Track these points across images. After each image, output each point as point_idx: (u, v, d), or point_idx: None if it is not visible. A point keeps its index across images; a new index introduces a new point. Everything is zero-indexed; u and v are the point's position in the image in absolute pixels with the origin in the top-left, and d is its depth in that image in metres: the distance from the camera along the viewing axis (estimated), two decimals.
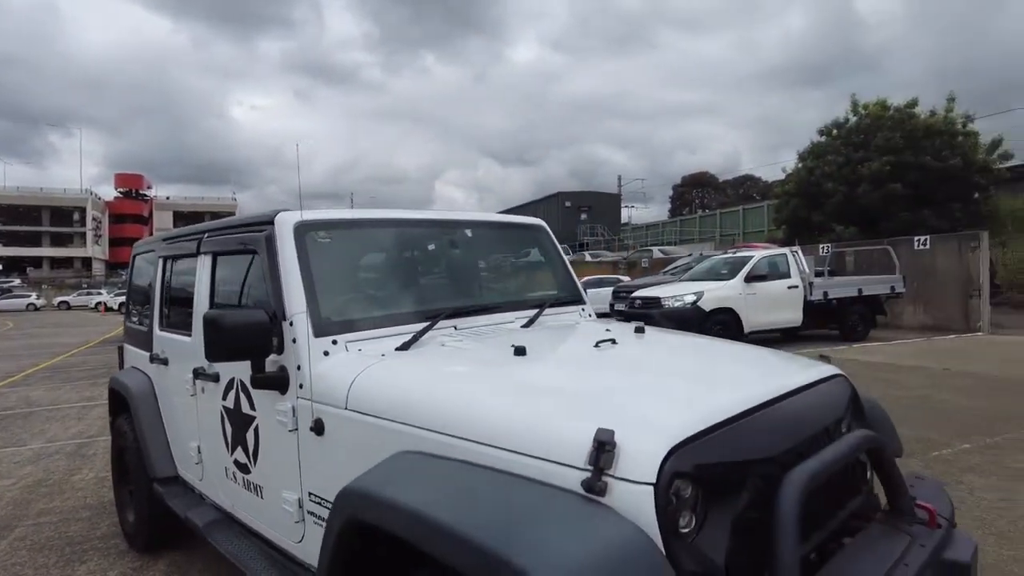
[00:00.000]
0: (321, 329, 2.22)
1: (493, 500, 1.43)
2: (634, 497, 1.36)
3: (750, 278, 11.57)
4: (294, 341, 2.21)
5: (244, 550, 2.55)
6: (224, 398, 2.66)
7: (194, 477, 3.10)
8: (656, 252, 25.86)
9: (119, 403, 3.75)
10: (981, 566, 2.91)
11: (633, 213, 53.08)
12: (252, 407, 2.47)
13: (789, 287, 11.85)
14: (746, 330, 11.13)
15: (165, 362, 3.31)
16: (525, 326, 2.71)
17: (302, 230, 2.39)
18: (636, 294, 12.00)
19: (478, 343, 2.36)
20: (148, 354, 3.52)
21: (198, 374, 2.84)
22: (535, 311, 2.82)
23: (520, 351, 2.08)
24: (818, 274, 12.80)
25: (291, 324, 2.23)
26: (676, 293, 11.20)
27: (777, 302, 11.63)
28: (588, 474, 1.40)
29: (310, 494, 2.17)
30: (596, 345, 2.24)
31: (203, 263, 2.94)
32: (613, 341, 2.29)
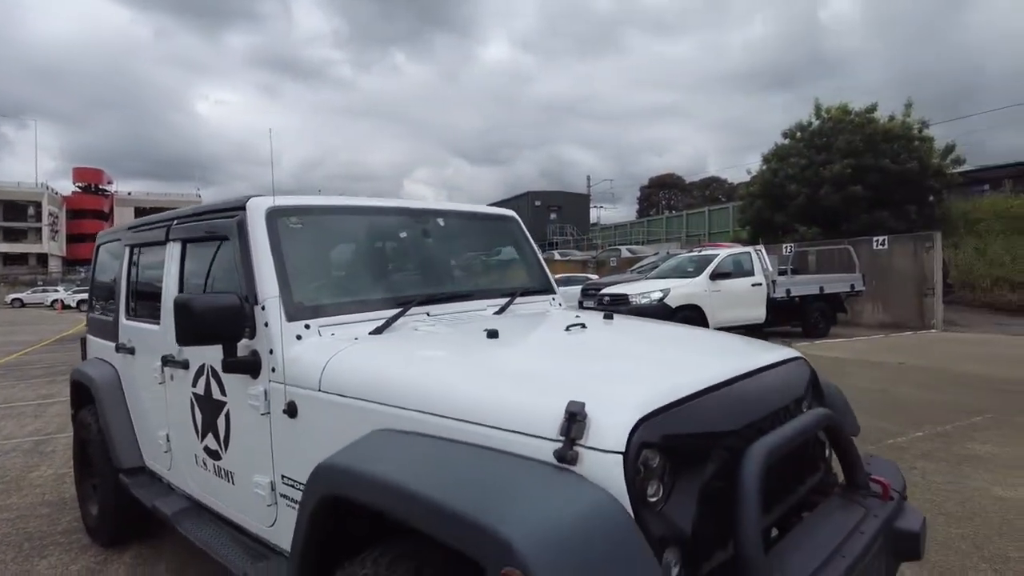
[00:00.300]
0: (293, 314, 2.22)
1: (470, 472, 1.47)
2: (604, 465, 1.41)
3: (715, 275, 11.79)
4: (266, 325, 2.21)
5: (214, 537, 2.54)
6: (194, 385, 2.64)
7: (162, 467, 3.07)
8: (624, 251, 26.12)
9: (83, 395, 3.68)
10: (933, 543, 3.06)
11: (601, 213, 53.60)
12: (223, 392, 2.46)
13: (753, 284, 12.11)
14: (711, 326, 11.33)
15: (132, 351, 3.26)
16: (497, 313, 2.75)
17: (274, 215, 2.39)
18: (604, 291, 12.13)
19: (450, 328, 2.40)
20: (114, 344, 3.47)
21: (167, 361, 2.81)
22: (507, 299, 2.86)
23: (493, 334, 2.12)
24: (781, 273, 13.10)
25: (263, 308, 2.23)
26: (643, 290, 11.36)
27: (741, 299, 11.87)
28: (559, 444, 1.45)
29: (283, 477, 2.18)
30: (567, 329, 2.29)
31: (172, 251, 2.91)
32: (583, 326, 2.34)
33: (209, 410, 2.55)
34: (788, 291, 12.34)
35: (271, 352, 2.19)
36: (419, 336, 2.28)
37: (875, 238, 15.31)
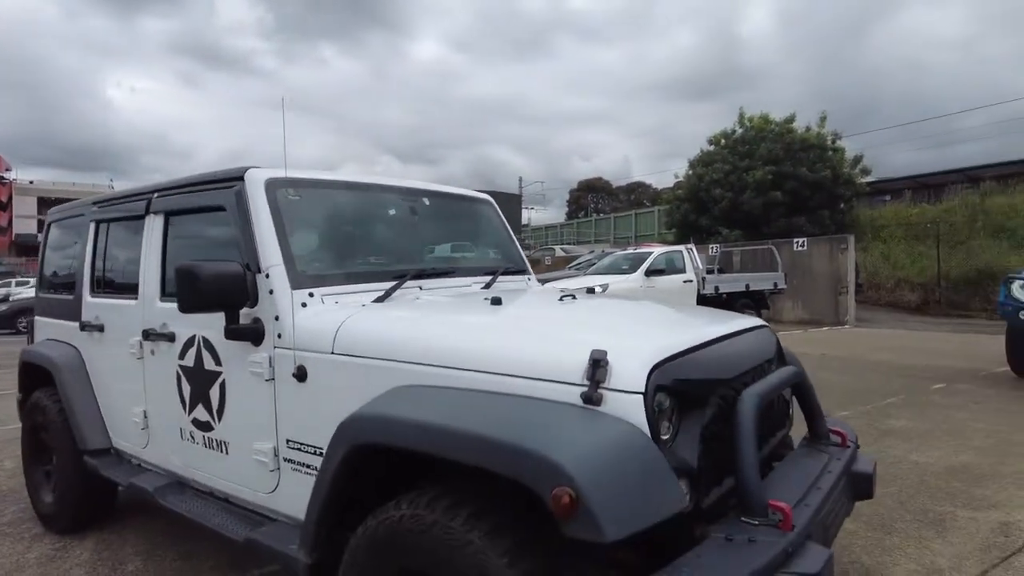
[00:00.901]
0: (298, 282, 2.27)
1: (505, 412, 1.60)
2: (627, 405, 1.57)
3: (650, 272, 12.29)
4: (271, 292, 2.26)
5: (203, 508, 2.55)
6: (181, 357, 2.63)
7: (135, 445, 3.02)
8: (558, 250, 26.66)
9: (37, 377, 3.54)
10: (865, 503, 3.39)
11: (532, 215, 54.20)
12: (217, 363, 2.48)
13: (684, 281, 12.68)
14: None
15: (100, 328, 3.18)
16: (484, 288, 2.87)
17: (273, 186, 2.43)
18: (546, 286, 12.39)
19: (449, 298, 2.51)
20: (75, 323, 3.37)
21: (149, 335, 2.78)
22: (490, 277, 2.99)
23: (496, 301, 2.25)
24: (709, 271, 13.76)
25: (267, 276, 2.27)
26: (583, 285, 11.67)
27: (673, 295, 12.39)
28: (585, 388, 1.60)
29: (288, 441, 2.22)
30: (560, 299, 2.45)
31: (153, 223, 2.88)
32: (573, 296, 2.51)
33: (199, 382, 2.55)
34: (717, 288, 12.98)
35: (276, 319, 2.23)
36: (425, 303, 2.38)
37: (795, 240, 16.30)
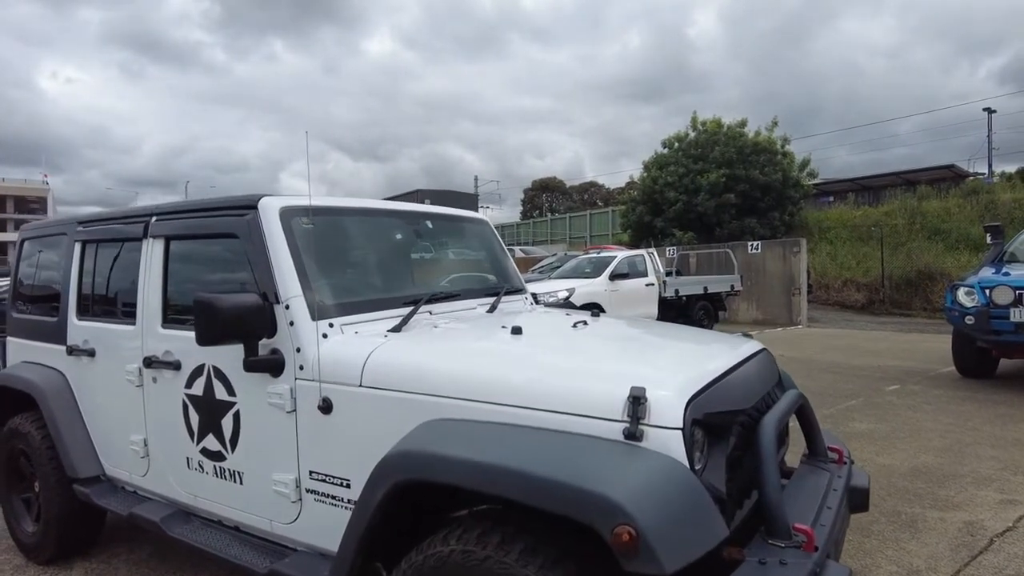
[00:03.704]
0: (318, 312, 2.28)
1: (555, 450, 1.66)
2: (667, 440, 1.66)
3: (613, 276, 12.51)
4: (291, 324, 2.26)
5: (214, 538, 2.53)
6: (188, 386, 2.60)
7: (133, 473, 2.95)
8: (518, 251, 26.73)
9: (18, 403, 3.41)
10: None
11: (488, 214, 54.26)
12: (230, 393, 2.46)
13: (647, 284, 12.95)
14: None
15: (91, 353, 3.10)
16: (489, 311, 2.92)
17: (288, 214, 2.43)
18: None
19: (467, 325, 2.55)
20: (60, 347, 3.27)
21: (151, 363, 2.73)
22: (492, 299, 3.04)
23: (517, 330, 2.30)
24: (668, 274, 14.09)
25: (287, 307, 2.28)
26: (550, 289, 11.82)
27: (636, 298, 12.66)
28: (626, 424, 1.67)
29: (311, 472, 2.23)
30: (574, 326, 2.52)
31: (152, 247, 2.82)
32: (585, 323, 2.59)
33: (211, 411, 2.53)
34: (677, 291, 13.30)
35: (298, 350, 2.24)
36: (445, 332, 2.41)
37: (750, 243, 16.83)
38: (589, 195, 67.60)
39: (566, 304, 11.41)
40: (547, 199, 71.18)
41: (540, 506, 1.54)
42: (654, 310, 12.89)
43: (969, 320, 6.75)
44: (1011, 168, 28.57)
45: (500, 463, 1.62)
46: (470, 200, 50.36)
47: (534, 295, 11.98)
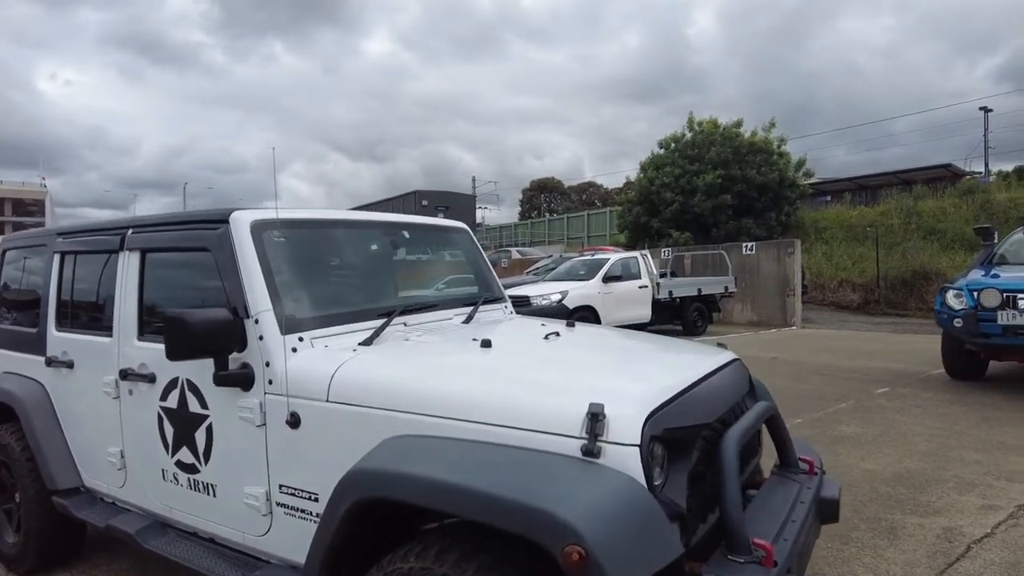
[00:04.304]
0: (287, 326, 2.29)
1: (512, 468, 1.67)
2: (624, 457, 1.67)
3: (607, 278, 12.53)
4: (261, 338, 2.27)
5: (189, 550, 2.54)
6: (163, 399, 2.61)
7: (111, 485, 2.96)
8: (515, 253, 26.77)
9: None
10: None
11: (486, 214, 54.32)
12: (203, 406, 2.47)
13: (640, 287, 12.98)
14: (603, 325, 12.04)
15: (70, 365, 3.10)
16: (465, 322, 2.93)
17: (259, 228, 2.44)
18: (506, 292, 12.48)
19: (439, 337, 2.56)
20: (38, 357, 3.28)
21: (127, 375, 2.74)
22: (470, 308, 3.05)
23: (486, 343, 2.31)
24: (662, 275, 14.11)
25: (256, 322, 2.28)
26: (543, 292, 11.83)
27: (630, 300, 12.69)
28: (584, 441, 1.68)
29: (280, 486, 2.24)
30: (545, 338, 2.53)
31: (128, 260, 2.83)
32: (557, 334, 2.59)
33: (184, 424, 2.54)
34: (670, 292, 13.32)
35: (267, 364, 2.25)
36: (415, 346, 2.42)
37: (744, 244, 16.85)
38: (587, 195, 67.63)
39: (559, 308, 11.43)
40: (545, 199, 71.23)
41: (494, 524, 1.55)
42: (647, 312, 12.92)
43: (958, 323, 6.76)
44: (1008, 167, 28.62)
45: (455, 481, 1.63)
46: (468, 201, 50.45)
47: (527, 298, 11.98)
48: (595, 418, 1.68)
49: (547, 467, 1.65)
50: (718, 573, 1.70)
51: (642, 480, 1.65)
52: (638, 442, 1.68)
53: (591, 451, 1.66)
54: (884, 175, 28.10)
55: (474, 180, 51.36)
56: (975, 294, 6.70)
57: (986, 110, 31.83)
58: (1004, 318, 6.44)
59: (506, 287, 12.76)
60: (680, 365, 2.30)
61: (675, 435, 1.83)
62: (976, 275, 7.21)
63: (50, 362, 3.20)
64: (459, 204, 49.90)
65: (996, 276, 7.00)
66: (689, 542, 1.79)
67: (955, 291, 6.94)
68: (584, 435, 1.69)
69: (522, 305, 12.30)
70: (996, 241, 8.24)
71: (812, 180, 24.36)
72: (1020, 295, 6.42)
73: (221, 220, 2.46)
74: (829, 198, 28.71)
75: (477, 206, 52.87)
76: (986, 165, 31.00)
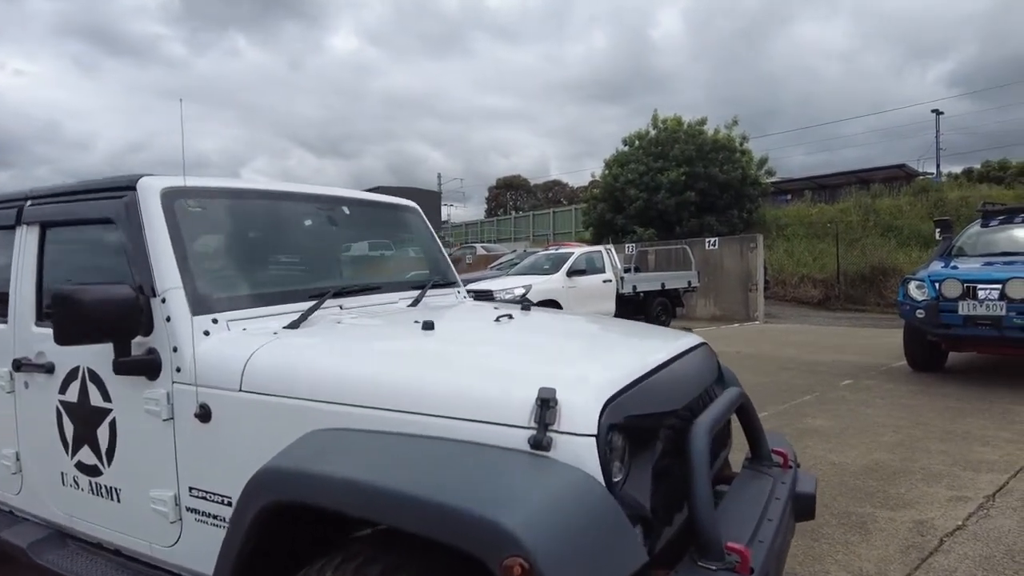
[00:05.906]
0: (200, 306, 2.00)
1: (447, 466, 1.42)
2: (578, 449, 1.44)
3: (571, 273, 12.35)
4: (168, 320, 1.98)
5: (90, 567, 2.22)
6: (62, 392, 2.29)
7: (6, 491, 2.62)
8: (479, 249, 26.44)
9: None
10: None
11: (452, 212, 53.86)
12: (106, 399, 2.16)
13: (604, 281, 12.84)
14: None
15: None
16: (411, 306, 2.67)
17: (170, 196, 2.14)
18: (469, 287, 12.18)
19: (378, 321, 2.29)
20: None
21: (20, 366, 2.41)
22: (417, 292, 2.79)
23: (428, 326, 2.06)
24: (626, 270, 14.00)
25: (163, 301, 1.99)
26: (506, 286, 11.60)
27: (594, 294, 12.53)
28: (532, 431, 1.44)
29: (191, 489, 1.95)
30: (496, 320, 2.29)
31: (26, 236, 2.50)
32: (510, 316, 2.35)
33: (85, 420, 2.22)
34: (634, 287, 13.21)
35: (175, 350, 1.95)
36: (347, 329, 2.15)
37: (707, 239, 16.88)
38: (553, 193, 67.64)
39: (523, 302, 11.22)
40: (512, 197, 71.01)
41: (424, 534, 1.29)
42: (611, 306, 12.78)
43: (920, 313, 6.74)
44: (957, 168, 29.48)
45: (372, 482, 1.37)
46: (433, 198, 49.86)
47: (490, 292, 11.71)
48: (545, 405, 1.44)
49: (488, 463, 1.41)
50: None
51: (599, 476, 1.42)
52: (594, 432, 1.45)
53: (540, 443, 1.42)
54: (842, 175, 28.62)
55: (440, 177, 51.00)
56: (937, 285, 6.69)
57: (938, 113, 32.75)
58: (965, 308, 6.43)
59: (469, 282, 12.50)
60: (643, 348, 2.08)
61: (637, 424, 1.61)
62: (936, 267, 7.22)
63: None
64: (424, 201, 48.99)
65: (955, 268, 7.01)
66: (653, 548, 1.57)
67: (917, 282, 6.93)
68: (533, 425, 1.45)
69: (486, 299, 12.09)
70: (954, 234, 8.29)
71: (773, 179, 24.66)
72: (980, 286, 6.43)
73: (128, 187, 2.16)
74: (790, 197, 29.12)
75: (443, 203, 52.35)
76: (938, 166, 31.92)
